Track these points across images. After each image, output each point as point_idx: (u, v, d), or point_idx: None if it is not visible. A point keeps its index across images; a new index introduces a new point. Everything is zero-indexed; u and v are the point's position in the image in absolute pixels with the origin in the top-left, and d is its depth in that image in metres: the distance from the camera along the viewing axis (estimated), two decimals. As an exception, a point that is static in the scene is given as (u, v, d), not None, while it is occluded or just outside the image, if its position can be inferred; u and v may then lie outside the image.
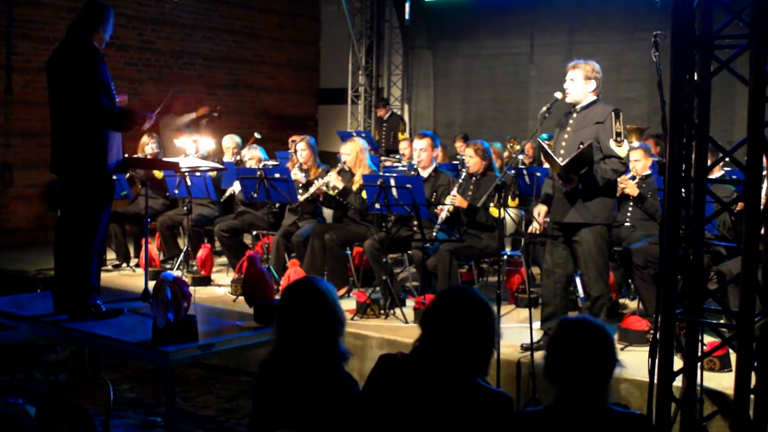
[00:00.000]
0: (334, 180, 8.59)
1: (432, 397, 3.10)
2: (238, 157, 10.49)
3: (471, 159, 8.09)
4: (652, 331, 6.76)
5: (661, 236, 4.16)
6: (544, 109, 6.37)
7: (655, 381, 4.18)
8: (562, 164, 6.08)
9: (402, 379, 3.19)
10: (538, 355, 6.17)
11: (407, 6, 15.68)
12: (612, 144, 6.20)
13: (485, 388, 3.13)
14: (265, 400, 3.48)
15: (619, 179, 7.97)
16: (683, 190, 4.02)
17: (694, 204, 4.11)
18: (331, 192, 8.61)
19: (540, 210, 6.54)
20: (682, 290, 4.12)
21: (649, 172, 8.35)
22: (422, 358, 3.17)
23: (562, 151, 6.33)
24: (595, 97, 6.40)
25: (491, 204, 7.59)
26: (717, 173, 7.42)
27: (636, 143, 9.29)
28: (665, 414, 3.97)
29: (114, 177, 6.37)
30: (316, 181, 8.74)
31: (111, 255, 10.36)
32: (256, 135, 12.47)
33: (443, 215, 7.73)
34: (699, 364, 4.77)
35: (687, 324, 4.16)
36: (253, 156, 9.80)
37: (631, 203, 8.22)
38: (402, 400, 3.16)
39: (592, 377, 3.01)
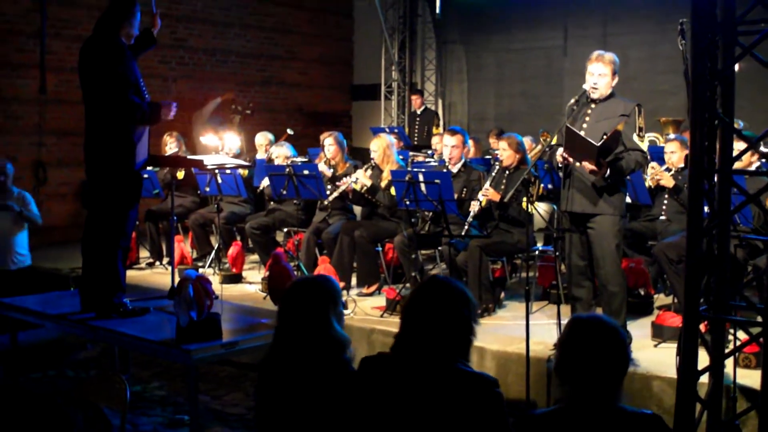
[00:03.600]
0: (361, 177, 8.53)
1: (414, 387, 3.11)
2: (269, 155, 10.46)
3: (504, 152, 7.98)
4: (685, 328, 6.72)
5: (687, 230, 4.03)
6: (573, 101, 6.28)
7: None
8: (598, 145, 5.94)
9: (384, 376, 3.21)
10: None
11: (438, 1, 15.57)
12: (635, 138, 6.12)
13: (466, 371, 3.14)
14: (267, 395, 3.53)
15: (654, 171, 7.89)
16: (708, 182, 3.87)
17: (718, 196, 3.97)
18: (358, 187, 8.55)
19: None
20: (707, 286, 3.99)
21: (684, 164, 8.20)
22: (401, 350, 3.20)
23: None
24: (611, 90, 6.29)
25: (523, 199, 7.48)
26: (755, 165, 7.25)
27: (672, 135, 9.13)
28: (690, 413, 3.85)
29: (145, 175, 6.35)
30: (345, 179, 8.68)
31: (144, 253, 10.40)
32: (289, 131, 12.44)
33: (474, 210, 7.63)
34: (733, 360, 4.65)
35: (712, 321, 4.03)
36: (280, 154, 9.76)
37: (666, 196, 8.08)
38: (386, 395, 3.17)
39: (604, 377, 2.94)
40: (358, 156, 11.27)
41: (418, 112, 14.77)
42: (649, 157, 6.40)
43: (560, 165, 6.39)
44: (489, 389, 3.10)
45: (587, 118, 6.28)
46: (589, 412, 2.94)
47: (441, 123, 15.29)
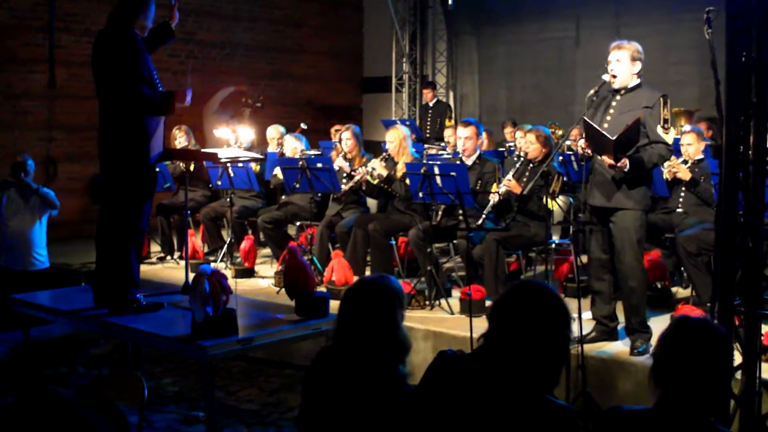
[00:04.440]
0: (378, 167, 8.43)
1: (494, 407, 2.82)
2: (281, 148, 10.38)
3: (531, 145, 7.84)
4: (707, 321, 6.61)
5: (717, 222, 3.93)
6: (592, 92, 6.14)
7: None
8: (613, 139, 5.83)
9: (461, 381, 2.92)
10: (588, 347, 5.99)
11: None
12: (659, 130, 5.98)
13: (553, 402, 2.83)
14: (316, 394, 3.36)
15: (670, 163, 7.76)
16: (744, 173, 3.76)
17: (752, 188, 3.86)
18: (374, 180, 8.46)
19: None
20: (740, 280, 3.87)
21: (701, 156, 8.11)
22: (487, 362, 2.89)
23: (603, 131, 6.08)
24: (638, 80, 6.15)
25: (544, 194, 7.37)
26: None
27: (687, 127, 9.02)
28: (724, 411, 3.76)
29: (157, 169, 6.26)
30: (360, 168, 8.59)
31: (156, 247, 10.33)
32: (303, 126, 12.34)
33: (493, 201, 7.54)
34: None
35: (745, 316, 3.92)
36: (291, 145, 9.68)
37: (683, 188, 7.98)
38: (460, 403, 2.89)
39: (703, 389, 2.72)
40: (369, 149, 11.17)
41: (431, 104, 14.67)
42: (672, 149, 6.22)
43: (582, 157, 6.28)
44: (572, 424, 2.81)
45: (611, 110, 6.16)
46: (678, 422, 2.73)
47: (453, 115, 15.20)
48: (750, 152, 3.83)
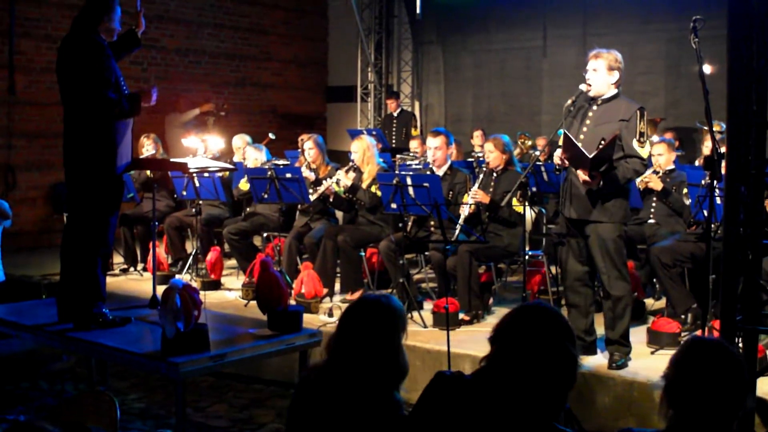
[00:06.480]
0: (343, 177, 8.33)
1: None
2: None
3: (491, 154, 7.79)
4: (684, 334, 6.55)
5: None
6: (570, 101, 6.05)
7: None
8: (590, 157, 5.76)
9: (462, 405, 2.77)
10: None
11: (418, 0, 15.38)
12: (635, 144, 5.90)
13: (560, 431, 2.71)
14: (304, 414, 3.21)
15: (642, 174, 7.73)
16: (745, 186, 3.67)
17: (751, 200, 3.77)
18: (340, 189, 8.35)
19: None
20: (740, 296, 3.79)
21: (672, 166, 8.11)
22: (490, 385, 2.74)
23: (579, 144, 6.01)
24: (616, 90, 6.06)
25: (514, 199, 7.28)
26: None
27: (655, 138, 9.02)
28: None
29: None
30: (325, 181, 8.47)
31: (118, 259, 10.10)
32: (271, 136, 12.16)
33: (465, 213, 7.44)
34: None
35: (744, 332, 3.84)
36: (251, 156, 9.51)
37: (655, 198, 7.96)
38: (461, 428, 2.75)
39: (715, 412, 2.62)
40: (334, 158, 11.06)
41: (395, 114, 14.59)
42: (647, 164, 6.15)
43: (558, 168, 6.20)
44: None
45: (588, 121, 6.07)
46: None
47: (418, 125, 15.12)
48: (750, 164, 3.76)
